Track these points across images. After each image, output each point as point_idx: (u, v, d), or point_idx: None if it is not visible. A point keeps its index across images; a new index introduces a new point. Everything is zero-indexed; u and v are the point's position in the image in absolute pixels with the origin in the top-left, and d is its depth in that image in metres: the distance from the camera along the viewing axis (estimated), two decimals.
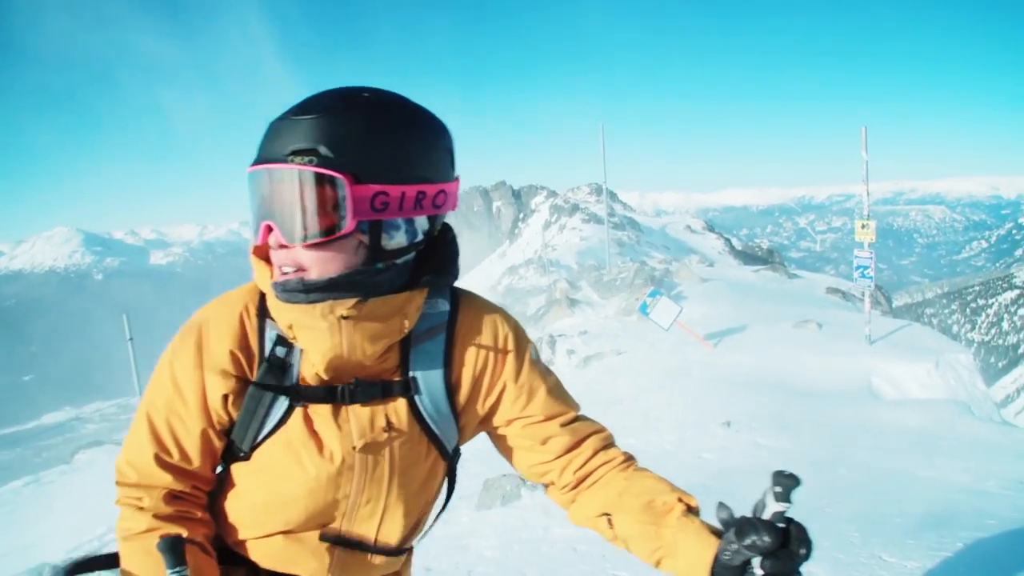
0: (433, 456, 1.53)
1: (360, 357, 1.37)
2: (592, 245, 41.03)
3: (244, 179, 1.30)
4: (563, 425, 1.57)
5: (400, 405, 1.45)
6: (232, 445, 1.44)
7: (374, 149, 1.26)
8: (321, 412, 1.40)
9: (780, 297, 18.50)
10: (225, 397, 1.38)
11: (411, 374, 1.46)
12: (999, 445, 7.33)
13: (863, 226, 12.00)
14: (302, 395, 1.38)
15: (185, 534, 1.36)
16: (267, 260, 1.37)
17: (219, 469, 1.51)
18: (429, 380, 1.47)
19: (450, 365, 1.50)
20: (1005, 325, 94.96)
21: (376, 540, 1.51)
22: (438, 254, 1.43)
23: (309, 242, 1.25)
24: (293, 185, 1.22)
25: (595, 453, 1.57)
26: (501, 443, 1.64)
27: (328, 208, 1.23)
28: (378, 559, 1.54)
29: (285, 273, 1.30)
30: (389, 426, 1.44)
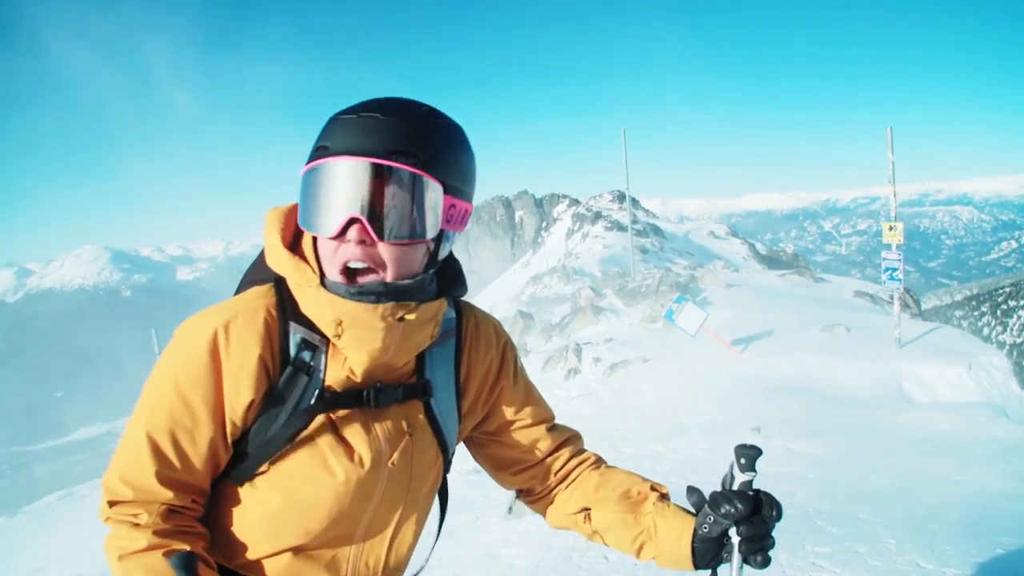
0: (439, 463, 1.55)
1: (400, 359, 1.40)
2: (615, 253, 40.94)
3: (310, 171, 1.29)
4: (548, 430, 1.67)
5: (416, 408, 1.48)
6: (240, 455, 1.38)
7: (455, 164, 1.32)
8: (347, 417, 1.39)
9: (807, 301, 18.33)
10: (251, 404, 1.33)
11: (427, 377, 1.48)
12: None
13: (891, 228, 11.88)
14: (330, 400, 1.36)
15: (188, 549, 1.31)
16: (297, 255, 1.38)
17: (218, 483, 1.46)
18: (442, 383, 1.51)
19: (459, 369, 1.55)
20: None
21: (388, 552, 1.50)
22: (449, 266, 1.49)
23: (395, 241, 1.27)
24: (395, 183, 1.25)
25: (571, 456, 1.67)
26: (487, 448, 1.69)
27: (422, 211, 1.27)
28: (394, 574, 1.54)
29: (355, 268, 1.29)
30: (409, 429, 1.46)
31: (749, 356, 12.81)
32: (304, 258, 1.37)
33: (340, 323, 1.31)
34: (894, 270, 11.93)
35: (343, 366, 1.37)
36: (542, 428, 1.66)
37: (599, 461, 1.69)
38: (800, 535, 4.95)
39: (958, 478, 6.28)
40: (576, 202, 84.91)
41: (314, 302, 1.33)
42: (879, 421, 8.61)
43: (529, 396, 1.67)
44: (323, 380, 1.37)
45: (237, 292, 1.48)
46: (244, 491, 1.40)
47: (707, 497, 1.42)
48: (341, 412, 1.38)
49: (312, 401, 1.36)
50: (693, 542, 1.44)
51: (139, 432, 1.33)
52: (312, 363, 1.36)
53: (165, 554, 1.29)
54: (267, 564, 1.42)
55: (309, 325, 1.36)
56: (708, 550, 1.44)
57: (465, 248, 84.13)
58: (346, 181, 1.24)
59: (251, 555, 1.42)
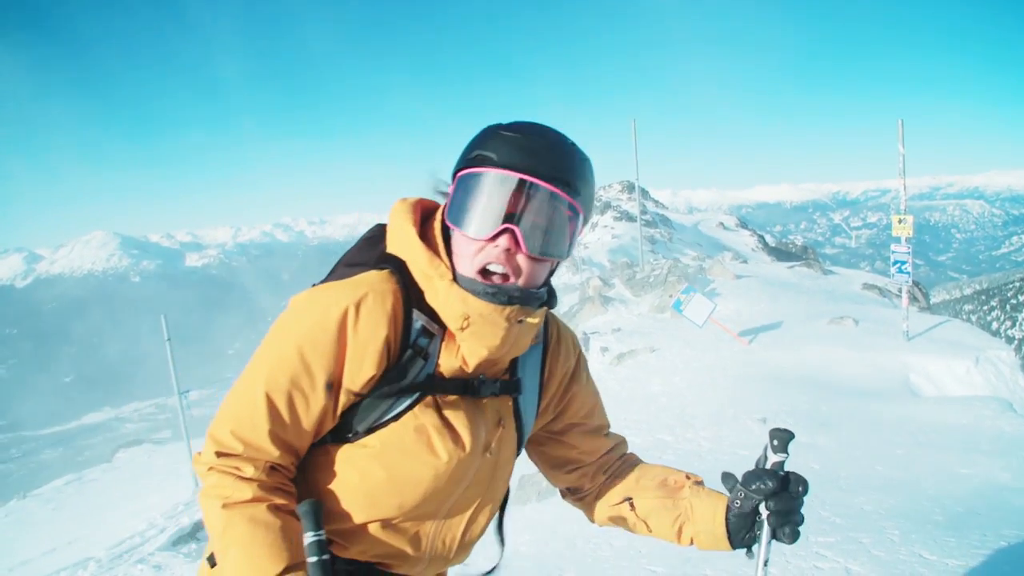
0: (515, 456, 1.68)
1: (508, 357, 1.53)
2: (624, 243, 40.85)
3: (472, 175, 1.40)
4: (604, 435, 1.82)
5: (507, 403, 1.60)
6: (345, 426, 1.45)
7: (591, 199, 1.47)
8: (453, 403, 1.48)
9: (815, 294, 18.31)
10: (371, 379, 1.41)
11: (519, 376, 1.60)
12: None
13: (900, 220, 11.84)
14: (439, 385, 1.46)
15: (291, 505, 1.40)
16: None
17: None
18: (529, 383, 1.64)
19: (543, 372, 1.68)
20: None
21: (464, 532, 1.59)
22: (547, 281, 1.59)
23: (537, 256, 1.40)
24: (556, 210, 1.39)
25: (618, 457, 1.83)
26: (546, 446, 1.81)
27: (564, 235, 1.43)
28: (460, 555, 1.63)
29: (494, 272, 1.41)
30: (500, 422, 1.58)
31: (756, 347, 12.82)
32: (436, 252, 1.46)
33: (467, 318, 1.41)
34: (903, 263, 11.90)
35: (456, 355, 1.47)
36: (600, 432, 1.81)
37: (635, 457, 1.85)
38: (805, 525, 4.97)
39: (963, 471, 6.28)
40: None
41: (444, 295, 1.42)
42: (885, 413, 8.61)
43: (595, 403, 1.81)
44: (437, 365, 1.46)
45: (334, 271, 1.57)
46: (347, 462, 1.47)
47: (739, 480, 1.54)
48: (448, 397, 1.48)
49: (425, 384, 1.45)
50: (727, 519, 1.58)
51: (256, 391, 1.40)
52: (428, 350, 1.46)
53: (269, 508, 1.36)
54: (356, 532, 1.49)
55: (430, 314, 1.45)
56: (742, 525, 1.56)
57: None
58: (510, 194, 1.37)
59: (342, 523, 1.48)
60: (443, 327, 1.46)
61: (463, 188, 1.40)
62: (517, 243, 1.38)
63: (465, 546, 1.62)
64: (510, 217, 1.36)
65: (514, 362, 1.59)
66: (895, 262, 12.05)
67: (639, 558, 4.73)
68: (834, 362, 11.24)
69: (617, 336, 15.66)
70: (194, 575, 10.58)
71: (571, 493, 1.86)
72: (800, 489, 1.48)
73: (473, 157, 1.40)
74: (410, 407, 1.44)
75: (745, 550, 1.59)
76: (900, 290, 12.60)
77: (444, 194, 1.51)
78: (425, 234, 1.49)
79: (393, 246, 1.50)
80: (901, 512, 5.11)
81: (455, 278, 1.42)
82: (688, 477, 1.71)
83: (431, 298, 1.44)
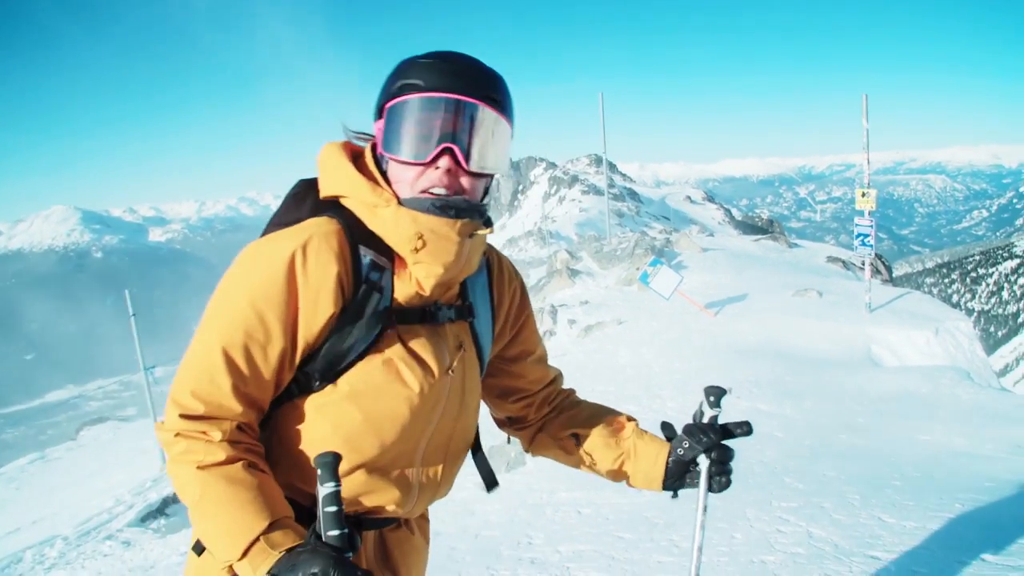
0: (479, 381, 1.70)
1: (460, 276, 1.53)
2: (591, 216, 41.00)
3: (402, 103, 1.42)
4: (546, 364, 1.88)
5: (464, 328, 1.62)
6: (310, 375, 1.44)
7: (513, 113, 1.51)
8: (414, 331, 1.50)
9: (780, 266, 18.52)
10: (330, 318, 1.40)
11: (470, 301, 1.63)
12: (997, 410, 7.40)
13: (863, 194, 11.98)
14: (398, 315, 1.47)
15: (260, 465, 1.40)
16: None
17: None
18: (482, 308, 1.67)
19: (492, 296, 1.71)
20: (1005, 294, 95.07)
21: (445, 464, 1.61)
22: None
23: (477, 171, 1.44)
24: (490, 124, 1.44)
25: (559, 389, 1.90)
26: (496, 376, 1.82)
27: (499, 149, 1.48)
28: (444, 486, 1.65)
29: (436, 194, 1.43)
30: (461, 346, 1.59)
31: (722, 319, 12.96)
32: (375, 183, 1.47)
33: (420, 236, 1.42)
34: (866, 236, 12.06)
35: (410, 282, 1.47)
36: (544, 361, 1.87)
37: (573, 392, 1.93)
38: (768, 491, 5.08)
39: (922, 437, 6.45)
40: (553, 165, 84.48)
41: (393, 219, 1.43)
42: (847, 383, 8.78)
43: (536, 331, 1.86)
44: (393, 298, 1.47)
45: (265, 234, 1.51)
46: (318, 412, 1.45)
47: (678, 431, 1.68)
48: (409, 327, 1.49)
49: (385, 316, 1.46)
50: (667, 464, 1.68)
51: (212, 348, 1.38)
52: (381, 283, 1.46)
53: (244, 466, 1.35)
54: (343, 483, 1.41)
55: (376, 248, 1.45)
56: (677, 472, 1.67)
57: None
58: (444, 115, 1.40)
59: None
60: (391, 259, 1.47)
61: (395, 118, 1.42)
62: (457, 162, 1.41)
63: (448, 478, 1.64)
64: (446, 136, 1.40)
65: (464, 289, 1.61)
66: (858, 235, 12.21)
67: (606, 524, 4.79)
68: (798, 333, 11.40)
69: (584, 308, 15.75)
70: (164, 550, 10.52)
71: (511, 423, 1.89)
72: (741, 431, 1.63)
73: (398, 87, 1.42)
74: (374, 343, 1.44)
75: (671, 493, 1.71)
76: (863, 263, 12.79)
77: (362, 136, 1.56)
78: (360, 171, 1.49)
79: (329, 187, 1.50)
80: (862, 478, 5.23)
81: (400, 203, 1.44)
82: (629, 419, 1.80)
83: (378, 227, 1.45)
